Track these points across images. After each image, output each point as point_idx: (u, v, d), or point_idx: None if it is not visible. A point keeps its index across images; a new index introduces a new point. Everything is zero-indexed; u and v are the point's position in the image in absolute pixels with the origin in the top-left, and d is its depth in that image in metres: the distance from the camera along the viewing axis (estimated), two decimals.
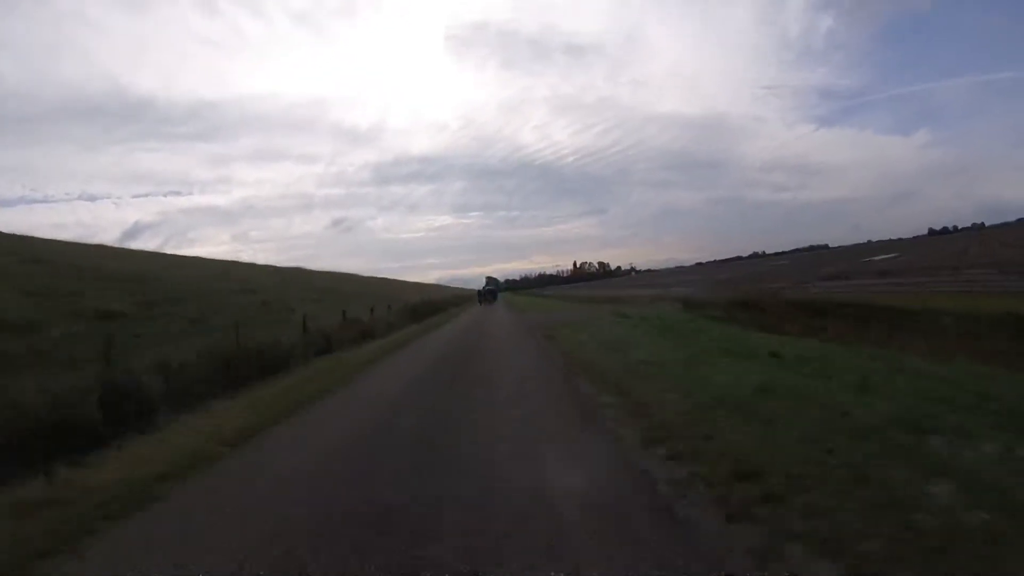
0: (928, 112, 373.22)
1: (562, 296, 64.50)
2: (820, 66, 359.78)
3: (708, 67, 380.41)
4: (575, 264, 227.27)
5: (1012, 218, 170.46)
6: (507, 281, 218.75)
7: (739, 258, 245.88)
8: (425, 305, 37.05)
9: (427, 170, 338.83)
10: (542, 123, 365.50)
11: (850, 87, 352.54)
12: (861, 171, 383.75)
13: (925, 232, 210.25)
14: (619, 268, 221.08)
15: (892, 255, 67.05)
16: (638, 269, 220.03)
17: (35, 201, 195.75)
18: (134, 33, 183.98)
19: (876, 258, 65.05)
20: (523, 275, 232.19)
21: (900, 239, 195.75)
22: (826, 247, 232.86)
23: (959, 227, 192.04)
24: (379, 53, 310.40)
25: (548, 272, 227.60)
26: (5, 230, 24.18)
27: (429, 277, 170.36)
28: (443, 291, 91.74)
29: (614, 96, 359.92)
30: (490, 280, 76.70)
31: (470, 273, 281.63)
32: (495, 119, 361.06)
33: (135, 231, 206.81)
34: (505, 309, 40.40)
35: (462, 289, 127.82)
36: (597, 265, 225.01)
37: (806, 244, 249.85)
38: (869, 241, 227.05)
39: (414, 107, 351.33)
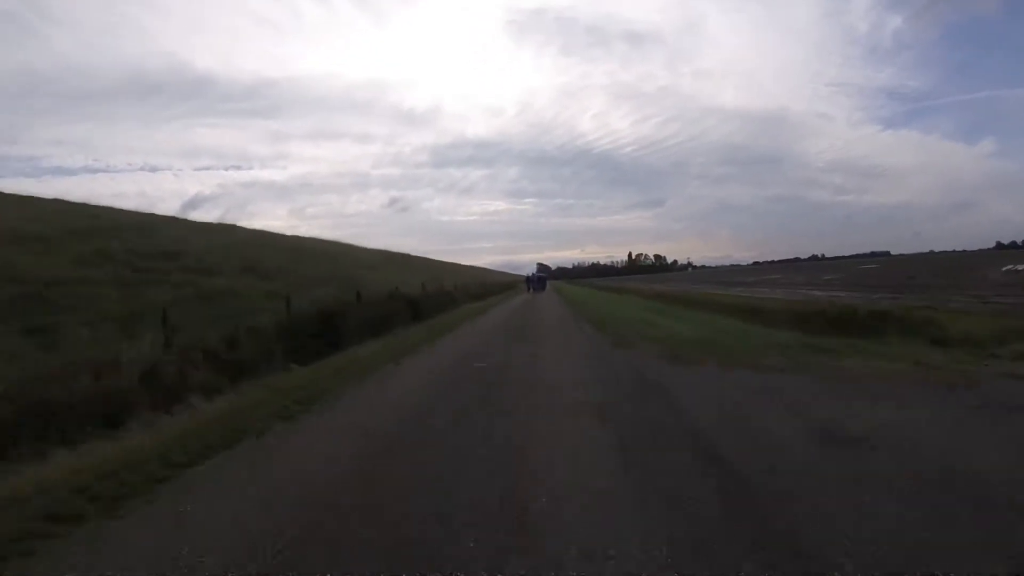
0: (995, 120, 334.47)
1: (642, 292, 42.07)
2: (887, 66, 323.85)
3: (771, 61, 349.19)
4: (630, 255, 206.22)
5: None
6: (559, 269, 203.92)
7: (797, 259, 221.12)
8: (391, 304, 17.06)
9: (483, 154, 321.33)
10: (600, 111, 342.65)
11: (917, 89, 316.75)
12: (924, 177, 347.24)
13: (992, 245, 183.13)
14: (675, 262, 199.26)
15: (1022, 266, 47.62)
16: (694, 265, 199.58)
17: (97, 170, 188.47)
18: (194, 12, 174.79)
19: (1019, 267, 46.64)
20: (575, 264, 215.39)
21: (965, 251, 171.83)
22: (888, 253, 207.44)
23: None
24: (438, 37, 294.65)
25: (601, 262, 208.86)
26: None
27: (481, 260, 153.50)
28: (485, 275, 72.14)
29: (674, 86, 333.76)
30: (541, 267, 75.04)
31: (520, 259, 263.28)
32: (552, 106, 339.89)
33: (195, 202, 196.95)
34: (563, 318, 20.78)
35: (509, 274, 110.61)
36: (653, 258, 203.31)
37: (867, 250, 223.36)
38: (932, 251, 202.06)
39: (472, 91, 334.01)
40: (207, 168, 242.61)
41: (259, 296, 14.29)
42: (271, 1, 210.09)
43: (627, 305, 24.26)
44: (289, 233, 36.10)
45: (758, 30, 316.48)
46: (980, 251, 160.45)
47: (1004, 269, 46.56)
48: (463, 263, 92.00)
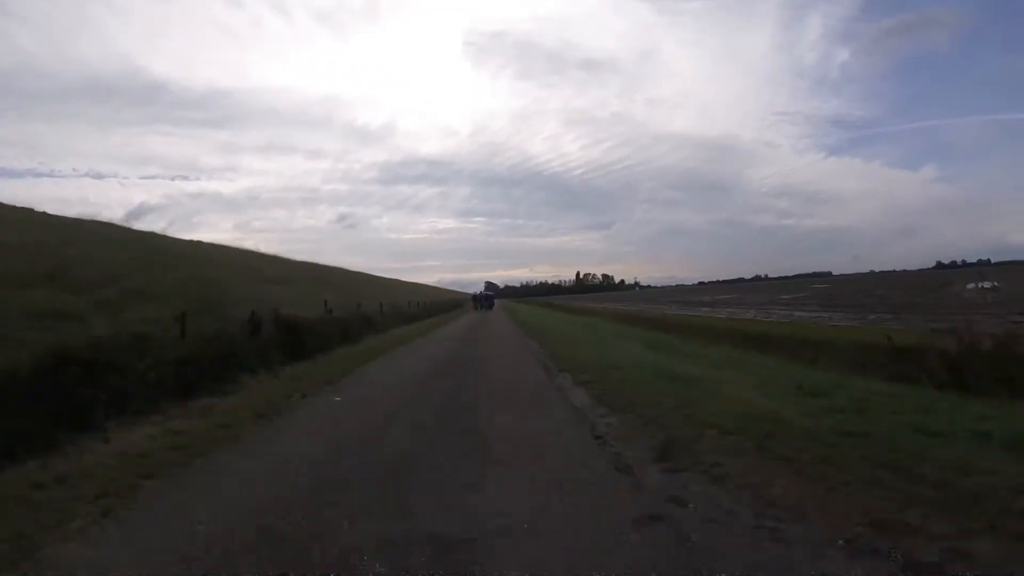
0: (937, 148, 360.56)
1: (605, 314, 36.61)
2: (833, 96, 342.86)
3: (722, 90, 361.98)
4: (578, 275, 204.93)
5: (1018, 257, 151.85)
6: (507, 288, 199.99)
7: (741, 279, 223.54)
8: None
9: (435, 173, 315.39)
10: (553, 135, 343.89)
11: (862, 118, 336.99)
12: (866, 202, 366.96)
13: (933, 264, 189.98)
14: (623, 282, 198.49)
15: (989, 283, 46.48)
16: (641, 284, 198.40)
17: (41, 175, 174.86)
18: (154, 16, 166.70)
19: (984, 284, 44.55)
20: (523, 282, 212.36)
21: (906, 270, 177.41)
22: (830, 274, 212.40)
23: (967, 262, 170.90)
24: (396, 55, 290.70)
25: (550, 281, 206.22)
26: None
27: (431, 279, 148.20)
28: (431, 293, 64.19)
29: (626, 113, 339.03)
30: (488, 286, 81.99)
31: (470, 278, 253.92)
32: (506, 128, 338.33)
33: (140, 211, 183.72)
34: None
35: (457, 292, 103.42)
36: (601, 277, 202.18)
37: (809, 270, 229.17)
38: (872, 271, 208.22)
39: (426, 110, 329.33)
40: (153, 177, 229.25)
41: (32, 315, 7.96)
42: (232, 9, 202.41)
43: (604, 332, 18.53)
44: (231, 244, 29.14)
45: (711, 61, 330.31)
46: (921, 270, 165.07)
47: (969, 287, 44.33)
48: (408, 280, 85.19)
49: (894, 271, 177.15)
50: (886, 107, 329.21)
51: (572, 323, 25.96)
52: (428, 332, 21.58)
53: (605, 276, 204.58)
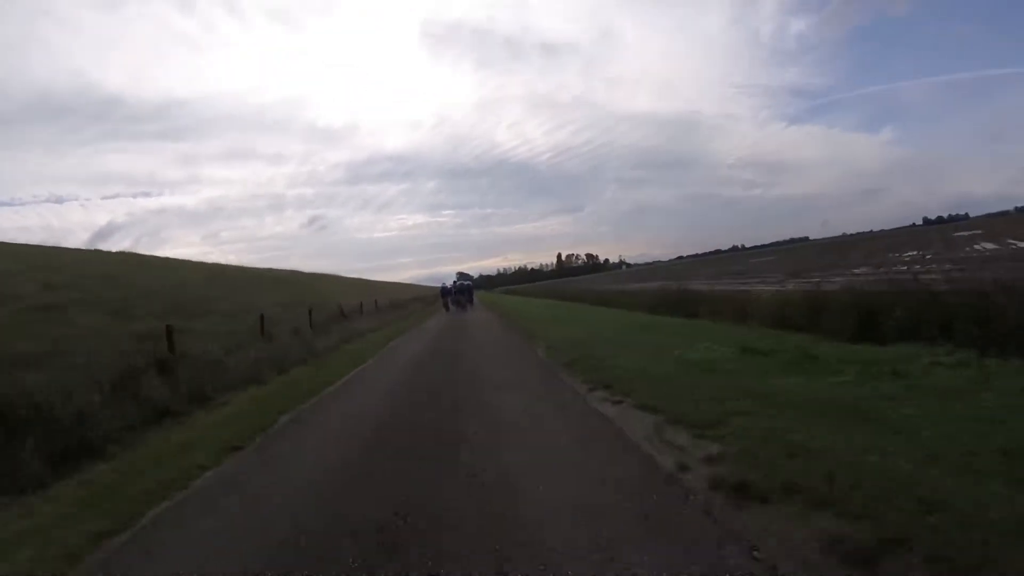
0: (894, 111, 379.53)
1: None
2: (791, 65, 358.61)
3: (681, 66, 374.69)
4: (559, 257, 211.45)
5: (978, 212, 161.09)
6: (481, 277, 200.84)
7: (719, 251, 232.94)
8: None
9: (400, 168, 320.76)
10: (516, 121, 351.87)
11: (820, 86, 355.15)
12: (830, 168, 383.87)
13: (912, 222, 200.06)
14: (607, 261, 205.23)
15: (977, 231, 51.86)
16: (627, 263, 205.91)
17: (0, 204, 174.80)
18: (105, 29, 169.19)
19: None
20: (500, 270, 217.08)
21: (872, 231, 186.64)
22: (807, 239, 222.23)
23: (954, 216, 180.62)
24: (355, 52, 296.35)
25: (529, 267, 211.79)
26: None
27: (403, 276, 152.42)
28: (390, 291, 63.67)
29: (588, 95, 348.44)
30: (462, 275, 55.52)
31: (442, 271, 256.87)
32: (469, 117, 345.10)
33: (106, 232, 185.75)
34: None
35: (426, 287, 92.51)
36: (585, 258, 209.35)
37: (786, 237, 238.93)
38: (845, 233, 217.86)
39: (388, 106, 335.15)
40: (116, 196, 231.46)
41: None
42: (184, 15, 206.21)
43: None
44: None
45: (669, 38, 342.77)
46: (899, 228, 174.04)
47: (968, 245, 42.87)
48: (376, 279, 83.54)
49: (870, 232, 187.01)
50: (842, 74, 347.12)
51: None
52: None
53: (589, 256, 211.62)
